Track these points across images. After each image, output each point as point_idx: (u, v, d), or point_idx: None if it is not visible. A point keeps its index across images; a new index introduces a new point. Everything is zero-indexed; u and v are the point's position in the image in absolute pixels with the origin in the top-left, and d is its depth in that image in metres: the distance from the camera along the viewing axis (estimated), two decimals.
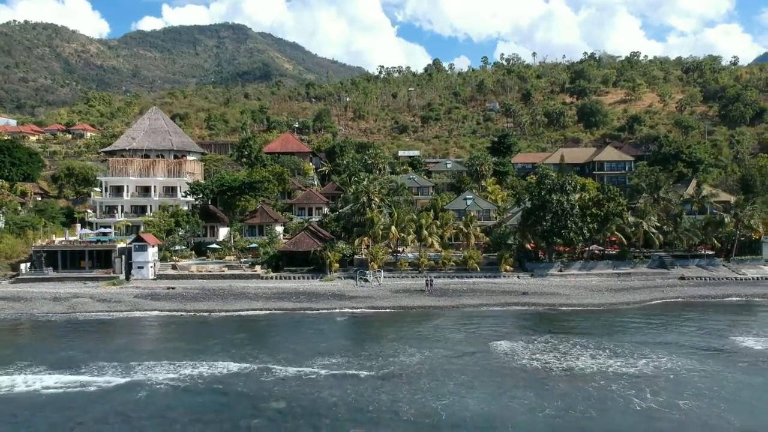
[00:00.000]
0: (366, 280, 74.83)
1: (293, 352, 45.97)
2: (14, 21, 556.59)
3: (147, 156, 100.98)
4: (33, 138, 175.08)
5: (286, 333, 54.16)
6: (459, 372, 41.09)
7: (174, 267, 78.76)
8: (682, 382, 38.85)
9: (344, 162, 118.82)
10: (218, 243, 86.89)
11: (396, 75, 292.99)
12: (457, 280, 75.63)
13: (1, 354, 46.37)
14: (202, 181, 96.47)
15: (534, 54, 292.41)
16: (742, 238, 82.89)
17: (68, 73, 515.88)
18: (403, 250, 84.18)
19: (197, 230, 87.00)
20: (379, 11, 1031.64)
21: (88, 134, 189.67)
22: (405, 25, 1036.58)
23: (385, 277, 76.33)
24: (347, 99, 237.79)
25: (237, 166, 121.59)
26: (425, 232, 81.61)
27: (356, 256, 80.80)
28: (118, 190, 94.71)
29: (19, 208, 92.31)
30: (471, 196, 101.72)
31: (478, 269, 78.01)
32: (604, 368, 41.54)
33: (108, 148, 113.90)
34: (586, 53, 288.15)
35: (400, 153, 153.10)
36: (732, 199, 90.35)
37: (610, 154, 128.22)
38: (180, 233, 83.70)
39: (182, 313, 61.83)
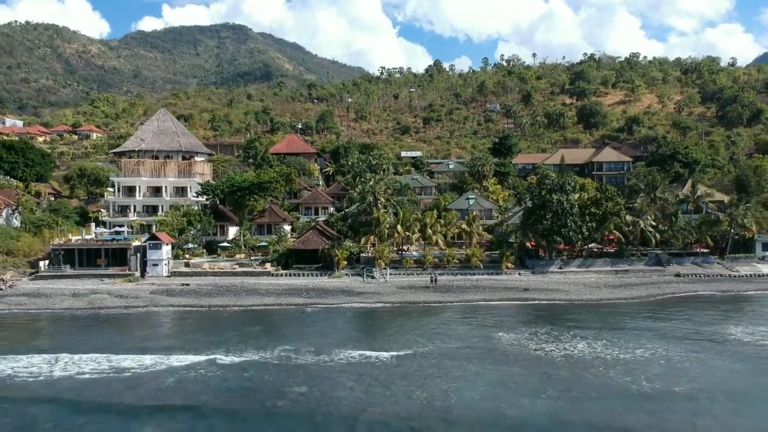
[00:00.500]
0: (373, 277, 77.55)
1: (308, 342, 48.72)
2: (15, 21, 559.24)
3: (156, 157, 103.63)
4: (40, 139, 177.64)
5: (300, 326, 56.89)
6: (466, 360, 43.91)
7: (187, 264, 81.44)
8: (675, 368, 41.67)
9: (349, 163, 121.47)
10: (228, 241, 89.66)
11: (397, 76, 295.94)
12: (460, 277, 78.32)
13: (35, 343, 49.36)
14: (212, 182, 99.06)
15: (534, 55, 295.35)
16: (736, 237, 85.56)
17: (69, 73, 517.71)
18: (408, 249, 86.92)
19: (209, 229, 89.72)
20: (379, 11, 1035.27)
21: (94, 135, 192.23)
22: (405, 26, 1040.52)
23: (391, 274, 79.03)
24: (349, 100, 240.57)
25: (244, 166, 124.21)
26: (429, 231, 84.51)
27: (363, 254, 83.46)
28: (130, 191, 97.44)
29: (35, 207, 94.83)
30: (473, 196, 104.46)
31: (481, 267, 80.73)
32: (602, 356, 44.41)
33: (117, 149, 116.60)
34: (585, 54, 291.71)
35: (403, 154, 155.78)
36: (726, 198, 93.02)
37: (608, 154, 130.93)
38: (192, 232, 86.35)
39: (198, 309, 64.55)
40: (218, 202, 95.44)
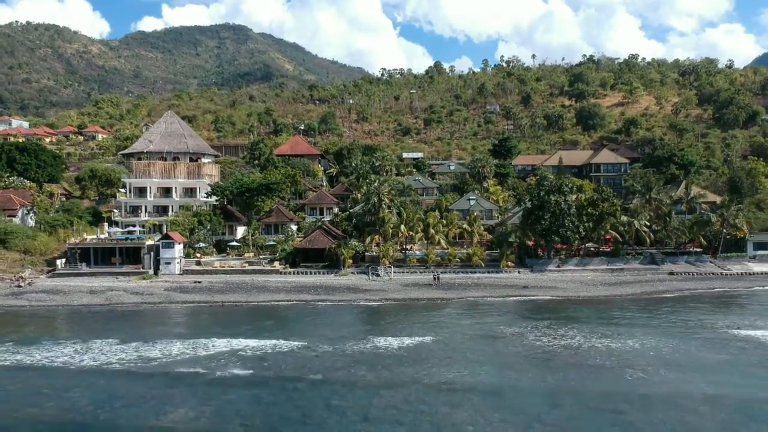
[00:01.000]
0: (378, 275, 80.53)
1: (320, 335, 51.77)
2: (16, 22, 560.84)
3: (164, 158, 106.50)
4: (47, 140, 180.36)
5: (310, 320, 59.92)
6: (469, 350, 47.06)
7: (198, 263, 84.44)
8: (665, 358, 44.71)
9: (352, 164, 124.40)
10: (237, 241, 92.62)
11: (398, 77, 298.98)
12: (462, 274, 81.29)
13: (60, 335, 52.44)
14: (221, 183, 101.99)
15: (533, 56, 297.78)
16: (728, 237, 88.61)
17: (70, 73, 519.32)
18: (411, 248, 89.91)
19: (218, 229, 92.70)
20: (379, 12, 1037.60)
21: (100, 136, 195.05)
22: (405, 26, 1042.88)
23: (395, 272, 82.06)
24: (350, 101, 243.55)
25: (249, 168, 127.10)
26: (432, 231, 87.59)
27: (367, 253, 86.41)
28: (141, 191, 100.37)
29: (49, 208, 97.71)
30: (474, 197, 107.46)
31: (482, 265, 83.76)
32: (597, 346, 47.54)
33: (126, 151, 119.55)
34: (585, 55, 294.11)
35: (404, 155, 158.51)
36: (718, 199, 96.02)
37: (606, 156, 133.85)
38: (202, 232, 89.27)
39: (211, 305, 67.53)
40: (226, 203, 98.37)
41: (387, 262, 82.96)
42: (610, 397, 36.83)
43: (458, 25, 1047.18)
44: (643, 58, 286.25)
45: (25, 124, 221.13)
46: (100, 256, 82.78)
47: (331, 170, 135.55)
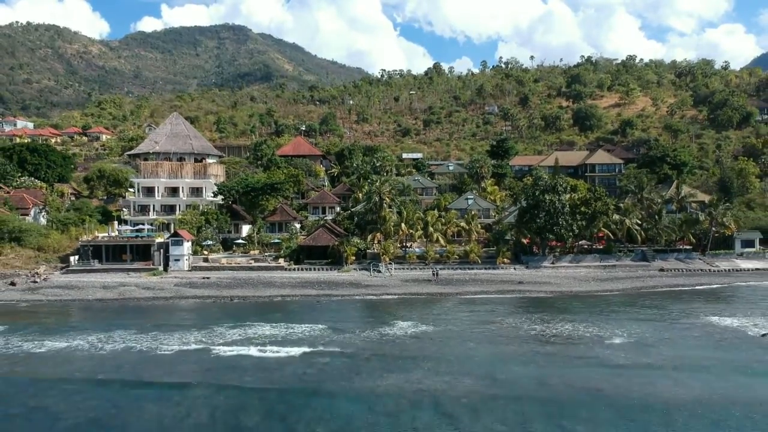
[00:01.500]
0: (379, 271, 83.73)
1: (328, 325, 55.15)
2: (17, 22, 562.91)
3: (169, 159, 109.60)
4: (52, 141, 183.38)
5: (317, 313, 63.11)
6: (466, 338, 50.51)
7: (206, 260, 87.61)
8: (648, 346, 47.97)
9: (353, 165, 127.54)
10: (243, 238, 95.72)
11: (397, 78, 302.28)
12: (460, 271, 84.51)
13: (81, 326, 55.76)
14: (227, 183, 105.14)
15: (532, 57, 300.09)
16: (716, 234, 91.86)
17: (71, 74, 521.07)
18: (411, 245, 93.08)
19: (224, 227, 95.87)
20: (378, 12, 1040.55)
21: (104, 137, 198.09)
22: (405, 27, 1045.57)
23: (395, 268, 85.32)
24: (350, 102, 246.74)
25: (253, 168, 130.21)
26: (431, 229, 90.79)
27: (369, 250, 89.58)
28: (149, 191, 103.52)
29: (61, 207, 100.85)
30: (472, 196, 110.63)
31: (479, 262, 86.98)
32: (587, 336, 50.80)
33: (132, 152, 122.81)
34: (583, 56, 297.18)
35: (404, 155, 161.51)
36: (707, 199, 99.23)
37: (601, 157, 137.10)
38: (209, 230, 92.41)
39: (220, 299, 70.72)
40: (232, 202, 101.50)
41: (388, 259, 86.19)
42: (591, 377, 40.20)
43: (458, 25, 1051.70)
44: (641, 59, 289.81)
45: (30, 125, 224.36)
46: (112, 253, 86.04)
47: (333, 170, 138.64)
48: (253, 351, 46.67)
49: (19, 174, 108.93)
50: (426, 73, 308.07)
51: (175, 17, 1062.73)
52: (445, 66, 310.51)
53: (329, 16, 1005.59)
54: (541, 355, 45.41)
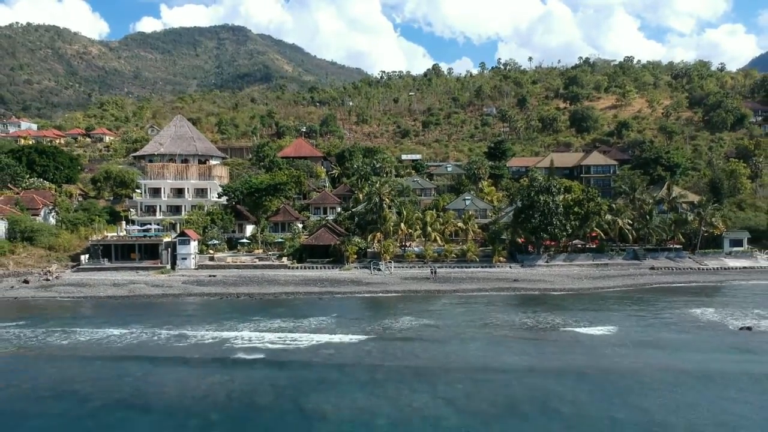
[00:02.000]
0: (379, 270, 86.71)
1: (332, 319, 58.25)
2: (17, 23, 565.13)
3: (173, 160, 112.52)
4: (56, 142, 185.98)
5: (321, 308, 65.93)
6: (462, 330, 53.70)
7: (211, 258, 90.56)
8: (632, 336, 51.19)
9: (354, 166, 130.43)
10: (247, 238, 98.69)
11: (397, 79, 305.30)
12: (457, 269, 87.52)
13: (97, 321, 58.70)
14: (231, 184, 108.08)
15: (530, 59, 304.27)
16: (705, 234, 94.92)
17: (71, 74, 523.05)
18: (410, 244, 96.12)
19: (229, 227, 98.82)
20: (378, 13, 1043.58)
21: (107, 138, 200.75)
22: (404, 27, 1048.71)
23: (395, 267, 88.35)
24: (350, 103, 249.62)
25: (256, 169, 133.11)
26: (429, 229, 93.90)
27: (369, 249, 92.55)
28: (155, 192, 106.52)
29: (70, 207, 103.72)
30: (469, 197, 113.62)
31: (476, 260, 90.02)
32: (578, 330, 53.92)
33: (138, 153, 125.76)
34: (581, 58, 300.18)
35: (403, 156, 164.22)
36: (695, 199, 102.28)
37: (596, 158, 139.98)
38: (215, 229, 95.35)
39: (227, 296, 73.63)
40: (236, 203, 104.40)
41: (388, 258, 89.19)
42: (575, 361, 43.43)
43: (457, 26, 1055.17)
44: (638, 61, 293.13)
45: (34, 126, 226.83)
46: (121, 252, 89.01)
47: (334, 171, 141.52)
48: (265, 341, 49.82)
49: (29, 175, 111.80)
50: (425, 74, 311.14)
51: (174, 17, 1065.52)
52: (444, 67, 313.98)
53: (329, 17, 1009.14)
54: (531, 343, 48.62)
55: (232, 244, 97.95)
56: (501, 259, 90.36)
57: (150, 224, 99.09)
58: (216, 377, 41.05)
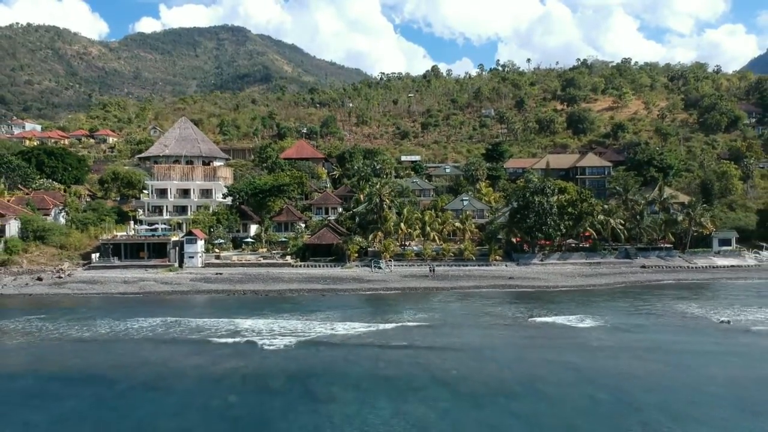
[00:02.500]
0: (380, 268, 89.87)
1: (337, 315, 61.30)
2: (17, 23, 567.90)
3: (178, 162, 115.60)
4: (61, 143, 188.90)
5: (324, 304, 69.00)
6: (458, 325, 56.87)
7: (217, 257, 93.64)
8: (620, 330, 54.43)
9: (354, 167, 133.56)
10: (252, 237, 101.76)
11: (396, 81, 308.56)
12: (455, 267, 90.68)
13: (113, 315, 61.60)
14: (236, 185, 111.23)
15: (528, 60, 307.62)
16: (695, 234, 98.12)
17: (71, 75, 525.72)
18: (410, 243, 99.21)
19: (234, 226, 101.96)
20: (378, 13, 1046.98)
21: (110, 139, 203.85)
22: (404, 28, 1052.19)
23: (395, 265, 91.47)
24: (350, 105, 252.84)
25: (259, 170, 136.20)
26: (428, 228, 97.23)
27: (370, 248, 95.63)
28: (162, 192, 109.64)
29: (79, 207, 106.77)
30: (467, 198, 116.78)
31: (473, 259, 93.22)
32: (568, 323, 57.12)
33: (143, 155, 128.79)
34: (578, 59, 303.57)
35: (403, 158, 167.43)
36: (686, 200, 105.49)
37: (591, 160, 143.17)
38: (220, 229, 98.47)
39: (234, 293, 76.74)
40: (240, 203, 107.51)
41: (388, 256, 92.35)
42: (564, 352, 46.69)
43: (456, 27, 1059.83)
44: (636, 62, 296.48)
45: (38, 128, 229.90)
46: (130, 251, 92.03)
47: (335, 173, 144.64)
48: (274, 332, 53.25)
49: (38, 176, 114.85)
50: (424, 75, 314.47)
51: (173, 18, 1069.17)
52: (444, 68, 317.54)
53: (328, 17, 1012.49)
54: (523, 336, 51.87)
55: (237, 243, 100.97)
56: (497, 257, 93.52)
57: (157, 224, 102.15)
58: (231, 363, 44.30)
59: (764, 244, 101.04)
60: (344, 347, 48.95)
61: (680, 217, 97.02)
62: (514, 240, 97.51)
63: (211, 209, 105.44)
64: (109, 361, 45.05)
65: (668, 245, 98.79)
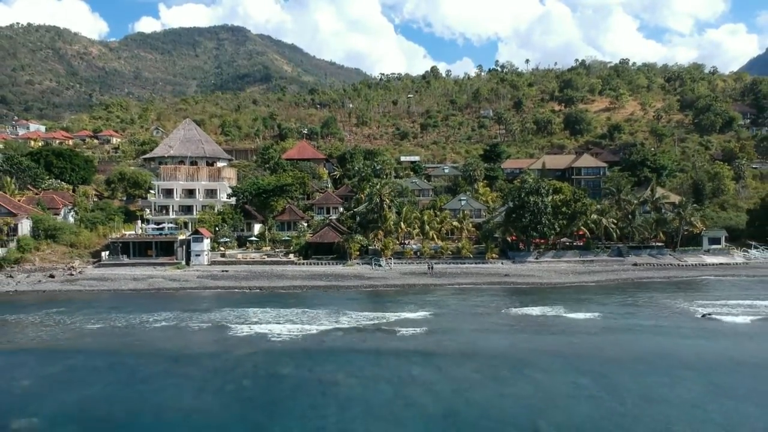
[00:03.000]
0: (380, 265, 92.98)
1: (340, 309, 64.40)
2: (18, 23, 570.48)
3: (182, 162, 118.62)
4: (65, 144, 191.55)
5: (328, 300, 72.22)
6: (454, 318, 59.91)
7: (223, 255, 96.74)
8: (609, 322, 57.57)
9: (355, 168, 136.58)
10: (256, 236, 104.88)
11: (396, 81, 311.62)
12: (452, 265, 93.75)
13: (126, 309, 64.66)
14: (240, 185, 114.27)
15: (527, 61, 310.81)
16: (685, 233, 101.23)
17: (71, 75, 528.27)
18: (409, 242, 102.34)
19: (238, 226, 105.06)
20: (377, 13, 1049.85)
21: (114, 140, 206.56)
22: (404, 28, 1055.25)
23: (395, 263, 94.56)
24: (350, 105, 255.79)
25: (261, 171, 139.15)
26: (427, 227, 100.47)
27: (371, 247, 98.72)
28: (168, 192, 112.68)
29: (88, 207, 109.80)
30: (465, 198, 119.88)
31: (470, 257, 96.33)
32: (562, 317, 60.30)
33: (148, 155, 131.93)
34: (577, 60, 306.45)
35: (402, 158, 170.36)
36: (677, 200, 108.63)
37: (587, 160, 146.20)
38: (225, 228, 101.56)
39: (240, 289, 79.85)
40: (244, 203, 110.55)
41: (388, 254, 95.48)
42: (553, 341, 49.80)
43: (456, 27, 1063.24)
44: (634, 63, 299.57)
45: (42, 128, 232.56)
46: (138, 249, 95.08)
47: (336, 173, 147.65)
48: (282, 324, 56.47)
49: (47, 176, 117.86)
50: (423, 76, 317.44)
51: (173, 17, 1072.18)
52: (444, 68, 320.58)
53: (328, 17, 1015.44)
54: (515, 327, 54.98)
55: (242, 242, 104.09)
56: (493, 255, 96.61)
57: (164, 223, 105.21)
58: (242, 350, 47.50)
59: (754, 243, 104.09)
60: (347, 337, 52.12)
61: (671, 217, 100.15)
62: (510, 239, 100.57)
63: (216, 209, 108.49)
64: (128, 349, 48.21)
65: (659, 244, 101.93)
